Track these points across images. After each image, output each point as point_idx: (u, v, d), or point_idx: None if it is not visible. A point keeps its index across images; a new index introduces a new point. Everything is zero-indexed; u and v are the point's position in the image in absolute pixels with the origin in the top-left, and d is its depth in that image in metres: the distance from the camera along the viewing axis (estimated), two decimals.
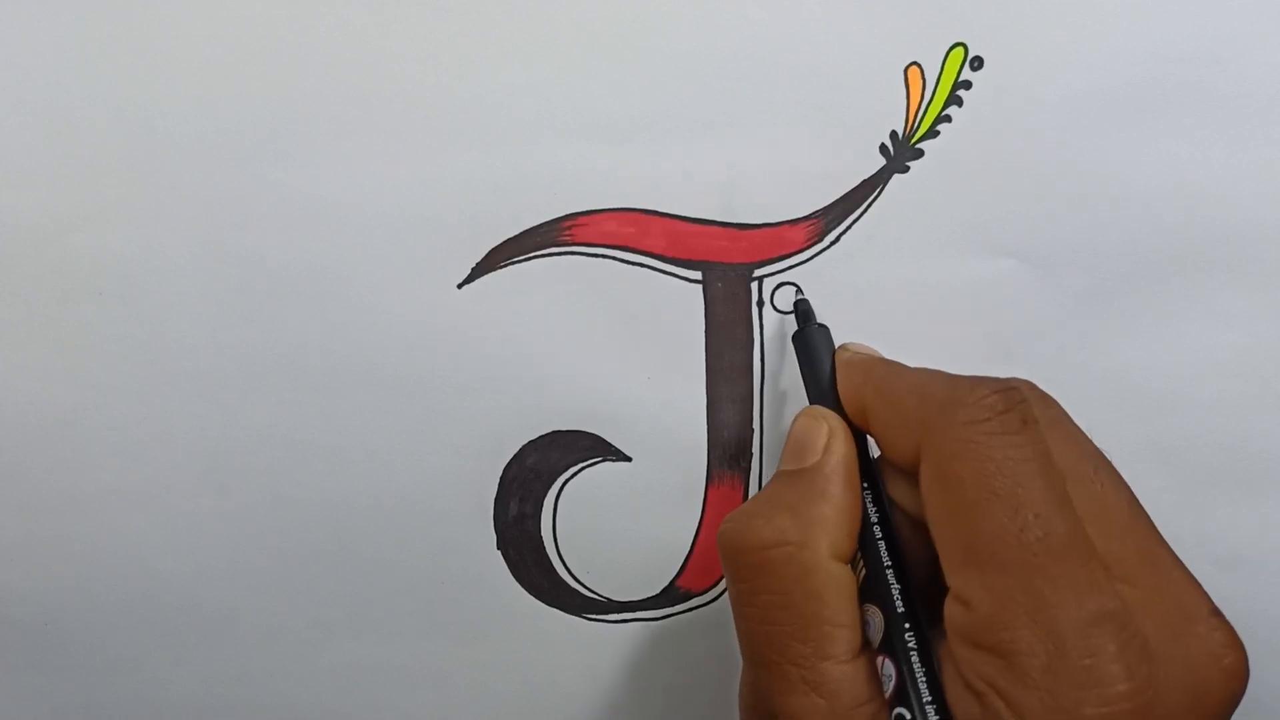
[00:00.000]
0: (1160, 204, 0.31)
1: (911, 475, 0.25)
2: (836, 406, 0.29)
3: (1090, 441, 0.26)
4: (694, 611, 0.34)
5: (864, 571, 0.26)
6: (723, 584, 0.34)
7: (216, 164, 0.30)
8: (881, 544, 0.26)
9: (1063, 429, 0.26)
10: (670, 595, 0.34)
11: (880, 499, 0.27)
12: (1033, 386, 0.26)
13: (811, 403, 0.30)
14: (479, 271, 0.31)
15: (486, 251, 0.31)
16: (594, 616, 0.34)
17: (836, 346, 0.31)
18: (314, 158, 0.30)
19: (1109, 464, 0.26)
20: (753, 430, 0.33)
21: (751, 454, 0.33)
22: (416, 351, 0.32)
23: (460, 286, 0.31)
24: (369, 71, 0.29)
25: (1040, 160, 0.31)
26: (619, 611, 0.34)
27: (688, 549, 0.34)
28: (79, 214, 0.30)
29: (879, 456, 0.28)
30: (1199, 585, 0.24)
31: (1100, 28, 0.30)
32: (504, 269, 0.31)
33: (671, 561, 0.34)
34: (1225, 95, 0.31)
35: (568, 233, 0.31)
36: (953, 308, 0.32)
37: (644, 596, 0.34)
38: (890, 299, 0.32)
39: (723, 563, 0.27)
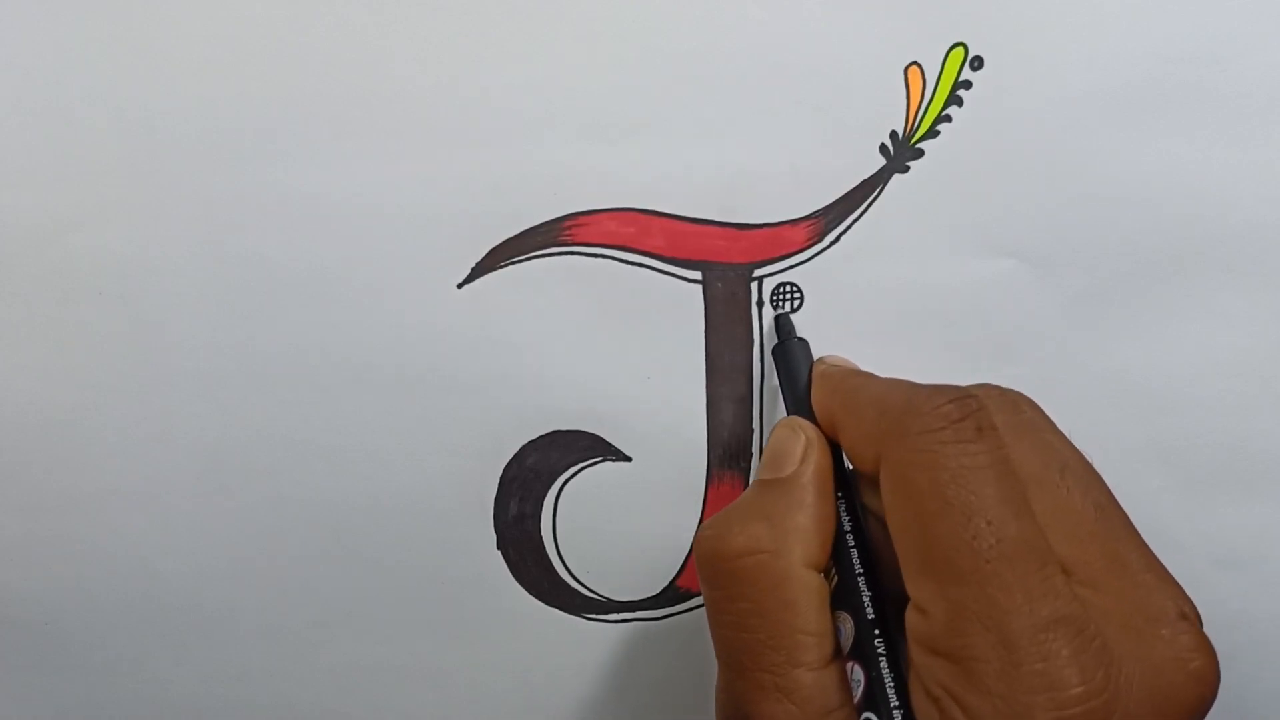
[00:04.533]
0: (1160, 204, 0.31)
1: (878, 485, 0.25)
2: (813, 418, 0.29)
3: (1065, 445, 0.26)
4: (694, 611, 0.34)
5: (836, 579, 0.26)
6: None
7: (216, 164, 0.30)
8: (854, 552, 0.26)
9: (1031, 434, 0.26)
10: (670, 595, 0.34)
11: (854, 508, 0.27)
12: (999, 393, 0.26)
13: (790, 414, 0.30)
14: (479, 271, 0.31)
15: (486, 251, 0.31)
16: (594, 616, 0.34)
17: (815, 359, 0.31)
18: (314, 158, 0.30)
19: (1083, 466, 0.26)
20: (752, 430, 0.33)
21: (751, 453, 0.33)
22: (416, 351, 0.32)
23: (460, 286, 0.31)
24: (369, 71, 0.29)
25: (1040, 160, 0.31)
26: (619, 611, 0.34)
27: (688, 549, 0.34)
28: (79, 214, 0.30)
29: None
30: (1172, 588, 0.24)
31: (1100, 28, 0.30)
32: (504, 269, 0.31)
33: (671, 561, 0.34)
34: (1225, 95, 0.31)
35: (568, 233, 0.31)
36: (953, 308, 0.32)
37: (644, 596, 0.34)
38: (890, 299, 0.32)
39: (699, 570, 0.27)
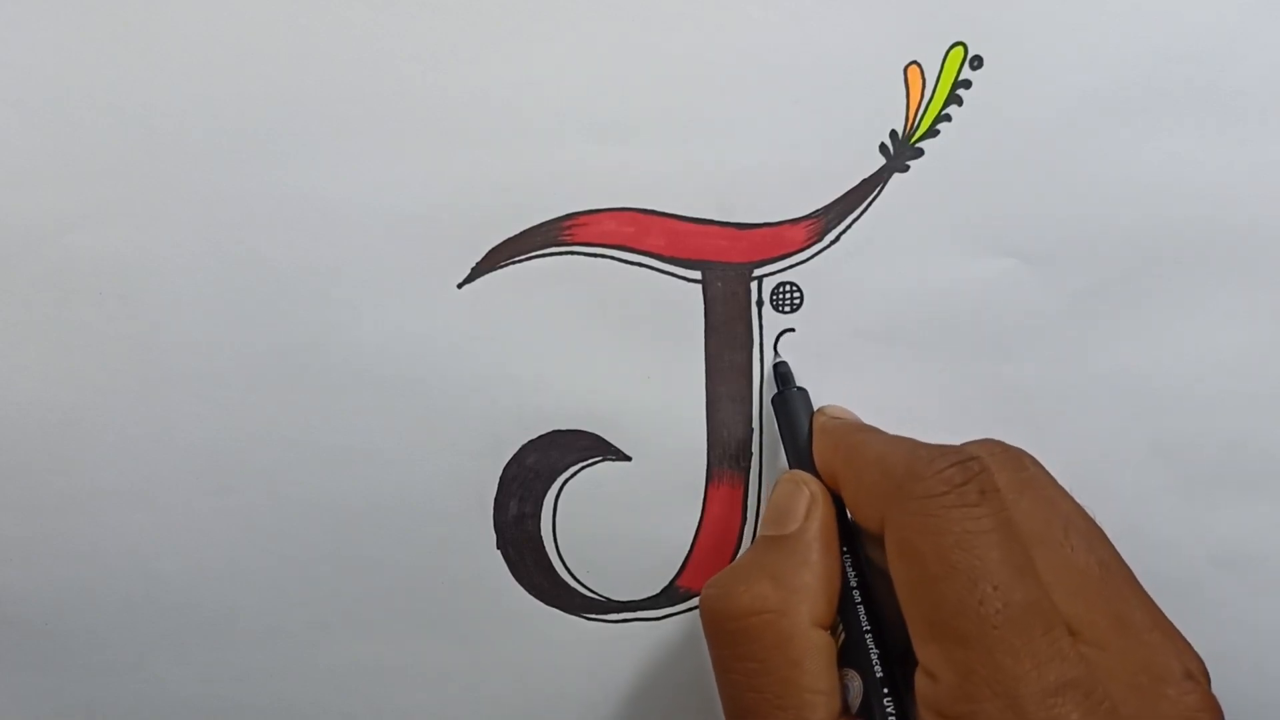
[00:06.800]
0: (1160, 203, 0.31)
1: (882, 542, 0.25)
2: (815, 470, 0.29)
3: (1067, 500, 0.26)
4: (694, 611, 0.34)
5: (843, 636, 0.26)
6: None
7: (216, 164, 0.30)
8: (861, 609, 0.26)
9: (1034, 491, 0.26)
10: (670, 595, 0.34)
11: (860, 563, 0.27)
12: (1001, 450, 0.26)
13: (791, 466, 0.30)
14: (479, 271, 0.31)
15: (486, 251, 0.31)
16: (594, 616, 0.34)
17: (815, 409, 0.31)
18: (314, 158, 0.30)
19: (1085, 522, 0.26)
20: (752, 429, 0.33)
21: (751, 453, 0.33)
22: (416, 351, 0.32)
23: (460, 286, 0.31)
24: (369, 71, 0.29)
25: (1040, 160, 0.31)
26: (619, 611, 0.34)
27: (688, 549, 0.34)
28: (79, 214, 0.30)
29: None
30: (1178, 646, 0.24)
31: (1100, 28, 0.30)
32: (504, 269, 0.31)
33: (671, 561, 0.34)
34: (1225, 95, 0.31)
35: (568, 233, 0.31)
36: (953, 308, 0.32)
37: (644, 596, 0.34)
38: (890, 298, 0.32)
39: (704, 628, 0.27)
